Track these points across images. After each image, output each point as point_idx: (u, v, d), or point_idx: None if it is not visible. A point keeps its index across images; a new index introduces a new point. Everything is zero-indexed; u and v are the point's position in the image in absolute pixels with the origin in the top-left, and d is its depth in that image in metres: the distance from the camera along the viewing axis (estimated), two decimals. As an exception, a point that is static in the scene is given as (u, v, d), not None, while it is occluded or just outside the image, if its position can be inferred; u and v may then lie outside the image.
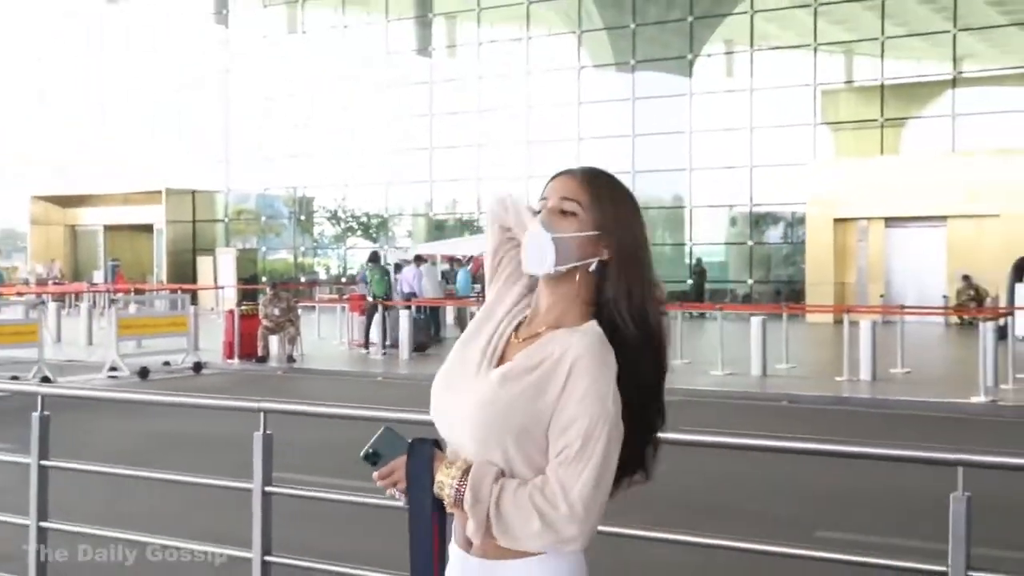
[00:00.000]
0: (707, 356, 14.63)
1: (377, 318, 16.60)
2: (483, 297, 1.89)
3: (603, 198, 1.70)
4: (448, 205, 32.13)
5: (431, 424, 1.75)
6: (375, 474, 1.70)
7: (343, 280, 30.04)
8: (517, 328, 1.77)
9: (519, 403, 1.62)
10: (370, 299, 16.94)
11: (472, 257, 23.03)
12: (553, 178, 1.75)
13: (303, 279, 31.65)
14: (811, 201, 24.05)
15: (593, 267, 1.70)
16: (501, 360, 1.73)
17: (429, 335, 17.54)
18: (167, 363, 14.52)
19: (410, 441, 1.69)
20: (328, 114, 31.99)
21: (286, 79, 32.58)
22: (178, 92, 34.01)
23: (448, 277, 21.71)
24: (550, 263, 1.68)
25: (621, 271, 1.69)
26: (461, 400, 1.68)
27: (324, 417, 3.69)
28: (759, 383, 12.64)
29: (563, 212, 1.70)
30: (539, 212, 1.74)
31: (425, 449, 1.67)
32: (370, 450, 1.69)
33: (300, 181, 32.97)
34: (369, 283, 17.41)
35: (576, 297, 1.72)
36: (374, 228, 32.60)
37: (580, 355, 1.62)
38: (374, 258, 17.92)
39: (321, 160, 32.21)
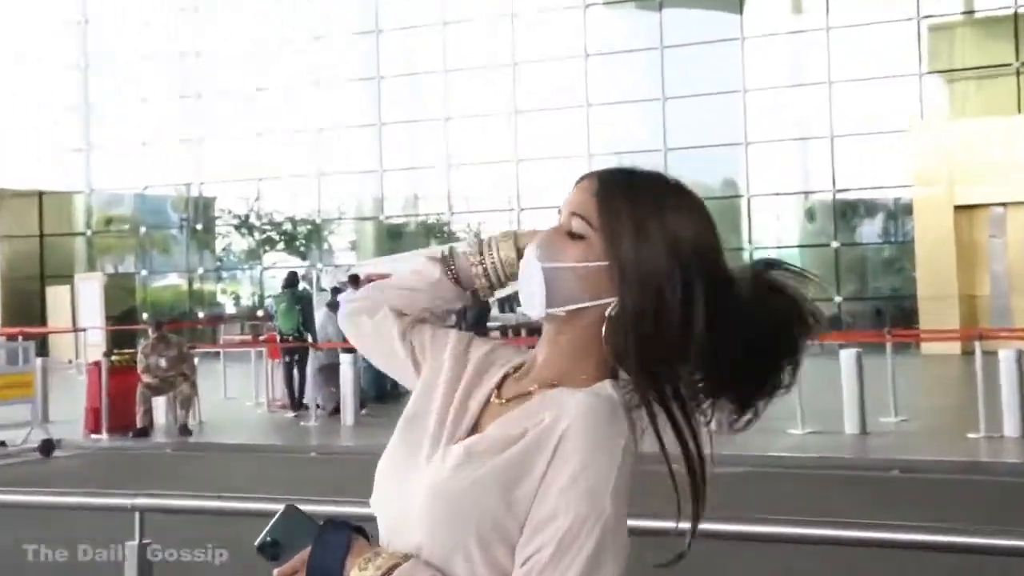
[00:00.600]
0: (780, 408, 14.55)
1: (287, 370, 17.08)
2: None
3: (620, 212, 1.75)
4: (406, 203, 32.24)
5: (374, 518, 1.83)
6: (275, 572, 1.73)
7: (259, 314, 30.05)
8: (500, 386, 1.87)
9: (489, 489, 1.66)
10: (275, 337, 17.35)
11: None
12: (577, 182, 1.86)
13: (201, 315, 31.66)
14: (919, 181, 24.20)
15: (612, 310, 1.74)
16: (474, 430, 1.81)
17: (384, 389, 17.60)
18: (2, 443, 14.48)
19: (321, 523, 1.74)
20: (233, 80, 32.12)
21: (170, 31, 32.67)
22: (10, 49, 33.97)
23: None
24: (540, 302, 1.76)
25: (628, 320, 1.71)
26: (410, 487, 1.75)
27: (228, 515, 3.60)
28: (857, 445, 12.66)
29: (571, 234, 1.78)
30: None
31: (337, 538, 1.72)
32: (268, 538, 1.73)
33: (195, 175, 33.10)
34: (274, 316, 17.65)
35: (587, 349, 1.78)
36: (302, 239, 32.66)
37: (573, 424, 1.65)
38: (290, 282, 18.00)
39: (224, 146, 32.33)
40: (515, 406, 1.78)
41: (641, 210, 1.74)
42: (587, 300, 1.75)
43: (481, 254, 1.99)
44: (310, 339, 17.31)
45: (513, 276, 1.97)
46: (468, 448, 1.73)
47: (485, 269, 1.99)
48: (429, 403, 1.89)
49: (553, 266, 1.75)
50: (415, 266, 2.06)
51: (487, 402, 1.84)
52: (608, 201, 1.75)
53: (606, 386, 1.72)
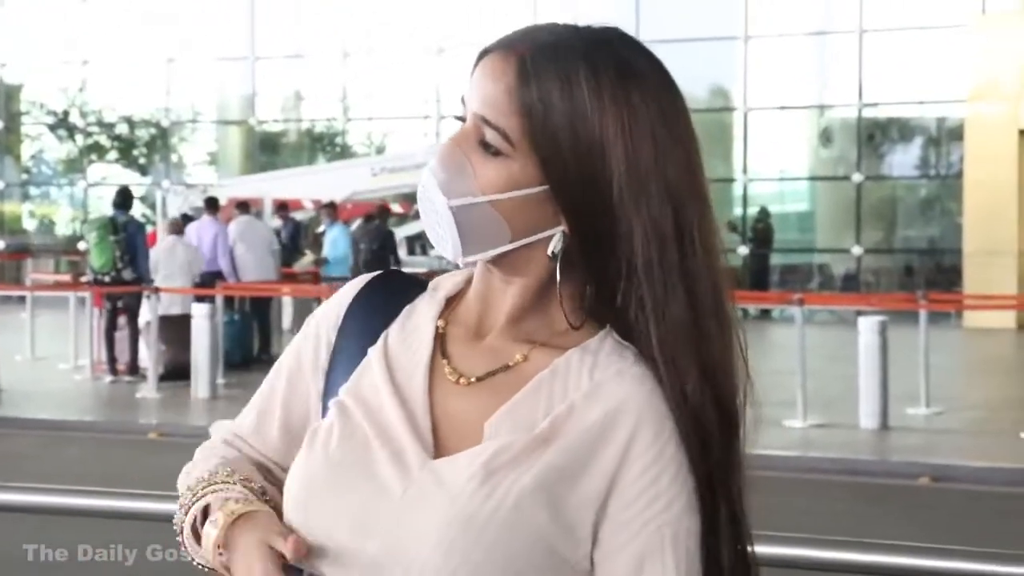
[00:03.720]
0: (778, 393, 14.71)
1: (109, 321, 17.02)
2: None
3: (553, 106, 1.70)
4: (285, 103, 32.05)
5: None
6: None
7: (82, 247, 29.74)
8: (443, 353, 1.84)
9: (538, 507, 1.69)
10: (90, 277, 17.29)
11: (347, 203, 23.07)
12: (479, 58, 1.79)
13: (1, 245, 31.29)
14: (974, 95, 24.37)
15: (555, 246, 1.76)
16: (436, 431, 1.79)
17: (250, 351, 17.52)
18: None
19: None
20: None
21: None
22: None
23: (290, 240, 22.00)
24: (452, 248, 1.75)
25: (594, 252, 1.75)
26: (390, 525, 1.71)
27: (35, 512, 3.61)
28: (875, 443, 12.77)
29: (484, 144, 1.74)
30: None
31: None
32: None
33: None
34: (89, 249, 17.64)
35: (548, 290, 1.79)
36: (142, 146, 32.35)
37: (644, 418, 1.72)
38: (121, 202, 17.80)
39: (34, 12, 31.81)
40: (500, 383, 1.78)
41: (588, 112, 1.70)
42: (517, 235, 1.75)
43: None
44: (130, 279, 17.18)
45: None
46: (487, 462, 1.70)
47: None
48: (360, 399, 1.84)
49: (462, 203, 1.72)
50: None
51: (430, 378, 1.81)
52: (541, 88, 1.70)
53: (627, 354, 1.76)
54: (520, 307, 1.80)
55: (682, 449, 1.73)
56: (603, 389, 1.74)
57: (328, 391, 1.87)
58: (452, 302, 1.89)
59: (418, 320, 1.87)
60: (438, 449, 1.75)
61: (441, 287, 1.90)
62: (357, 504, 1.72)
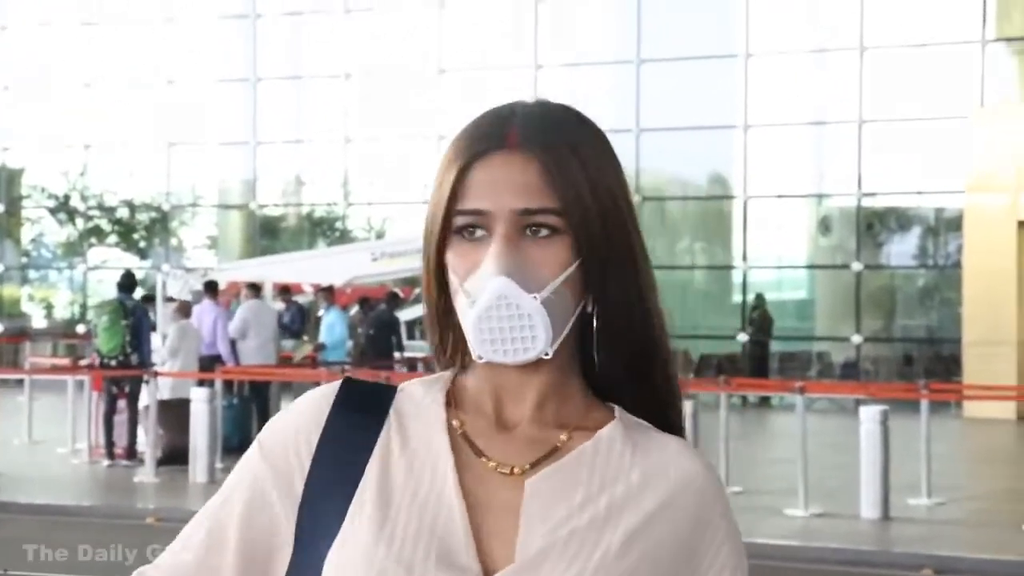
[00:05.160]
0: (776, 482, 14.65)
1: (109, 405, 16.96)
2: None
3: (580, 186, 1.78)
4: (286, 187, 32.09)
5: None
6: None
7: (80, 330, 29.80)
8: (470, 446, 1.83)
9: None
10: (95, 360, 17.24)
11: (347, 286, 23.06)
12: (475, 156, 1.79)
13: (0, 328, 31.24)
14: (973, 186, 24.46)
15: (589, 307, 1.83)
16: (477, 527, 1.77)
17: (248, 435, 17.52)
18: None
19: None
20: (52, 7, 31.79)
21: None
22: None
23: (292, 323, 21.92)
24: (545, 340, 1.75)
25: (618, 318, 1.84)
26: None
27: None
28: (877, 534, 12.73)
29: (535, 229, 1.77)
30: (462, 230, 1.78)
31: None
32: None
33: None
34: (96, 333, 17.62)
35: (569, 369, 1.85)
36: (142, 230, 32.36)
37: (718, 495, 1.84)
38: (126, 284, 17.85)
39: (38, 99, 31.95)
40: (555, 470, 1.79)
41: (598, 173, 1.80)
42: (573, 310, 1.80)
43: None
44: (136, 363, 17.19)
45: None
46: (629, 540, 1.77)
47: None
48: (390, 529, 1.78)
49: (548, 293, 1.75)
50: None
51: (462, 474, 1.79)
52: (566, 177, 1.77)
53: (649, 428, 1.86)
54: (547, 392, 1.82)
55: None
56: (659, 467, 1.81)
57: (307, 524, 1.80)
58: (452, 403, 1.86)
59: (418, 427, 1.83)
60: (499, 548, 1.75)
61: (430, 387, 1.87)
62: None
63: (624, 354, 1.84)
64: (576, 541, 1.73)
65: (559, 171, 1.76)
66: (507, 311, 1.72)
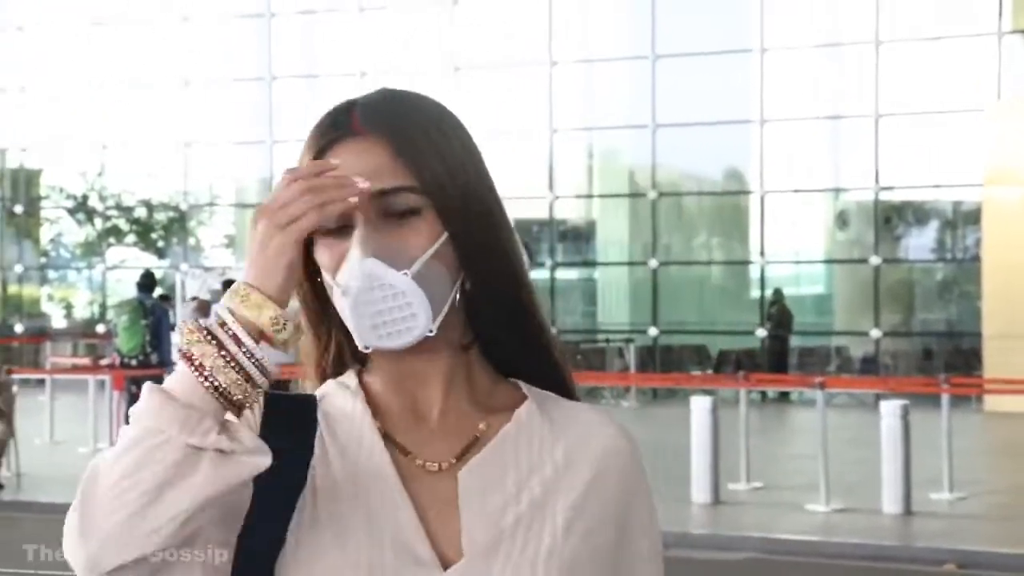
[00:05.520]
0: (797, 477, 14.65)
1: (130, 405, 16.68)
2: None
3: (432, 163, 1.80)
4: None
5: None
6: None
7: (100, 330, 29.90)
8: (403, 452, 1.82)
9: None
10: (115, 360, 17.34)
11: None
12: (322, 149, 1.82)
13: (19, 329, 31.31)
14: (992, 179, 24.43)
15: (464, 284, 1.83)
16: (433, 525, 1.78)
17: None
18: None
19: None
20: (65, 6, 31.79)
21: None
22: None
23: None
24: (425, 321, 1.74)
25: (491, 290, 1.84)
26: None
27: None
28: (899, 529, 12.72)
29: (398, 215, 1.78)
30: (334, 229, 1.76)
31: None
32: None
33: (12, 139, 32.76)
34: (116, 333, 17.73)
35: (463, 350, 1.86)
36: (160, 229, 32.41)
37: (636, 459, 1.90)
38: (144, 285, 17.90)
39: (55, 99, 32.00)
40: (483, 459, 1.80)
41: (450, 148, 1.82)
42: (451, 286, 1.79)
43: (221, 347, 1.63)
44: (156, 362, 17.22)
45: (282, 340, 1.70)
46: (569, 525, 1.79)
47: (239, 364, 1.63)
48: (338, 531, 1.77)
49: (418, 268, 1.73)
50: (133, 439, 1.62)
51: (398, 471, 1.78)
52: (417, 155, 1.78)
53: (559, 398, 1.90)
54: (451, 377, 1.83)
55: None
56: (581, 440, 1.85)
57: (254, 532, 1.73)
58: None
59: (350, 428, 1.82)
60: (447, 542, 1.75)
61: (344, 389, 1.85)
62: None
63: (511, 325, 1.85)
64: (522, 528, 1.76)
65: (409, 150, 1.78)
66: (380, 292, 1.71)
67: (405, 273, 1.71)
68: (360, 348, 1.76)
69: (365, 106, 1.81)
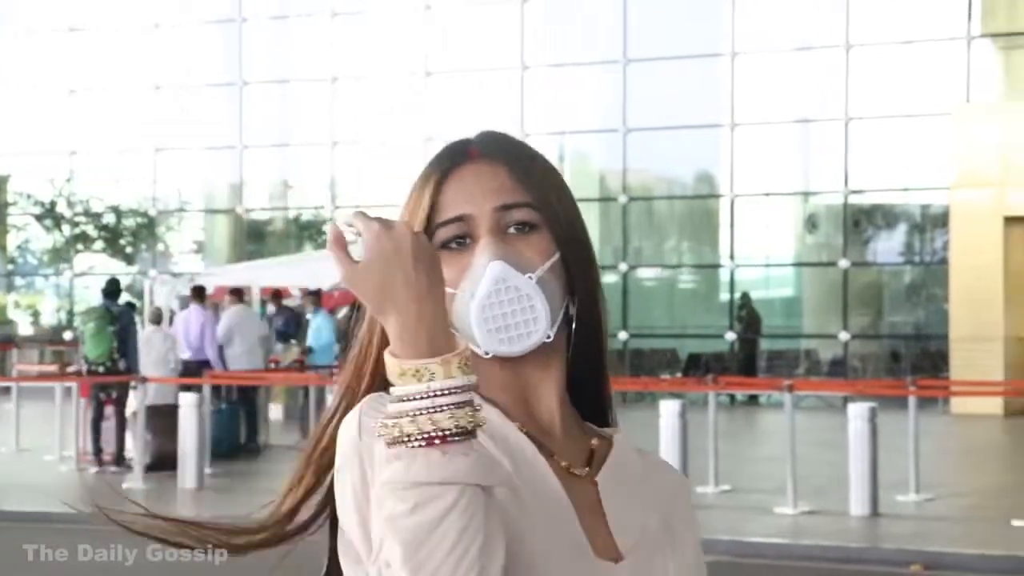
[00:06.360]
0: (765, 480, 14.67)
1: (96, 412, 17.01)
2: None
3: (549, 187, 1.95)
4: (273, 191, 32.10)
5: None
6: None
7: (67, 337, 29.85)
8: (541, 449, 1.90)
9: None
10: (82, 367, 17.28)
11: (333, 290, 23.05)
12: (444, 172, 1.92)
13: (-12, 335, 31.24)
14: (960, 183, 24.51)
15: (571, 307, 1.94)
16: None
17: (237, 441, 17.61)
18: None
19: None
20: (37, 11, 31.71)
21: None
22: None
23: (284, 328, 22.01)
24: (546, 319, 1.84)
25: (589, 313, 1.97)
26: None
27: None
28: (866, 531, 12.76)
29: (517, 228, 1.90)
30: (453, 239, 1.89)
31: None
32: None
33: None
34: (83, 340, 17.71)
35: (566, 360, 1.96)
36: (128, 235, 32.37)
37: (690, 491, 2.07)
38: (110, 291, 17.95)
39: (22, 105, 31.95)
40: (609, 471, 1.92)
41: (558, 180, 1.97)
42: (562, 301, 1.90)
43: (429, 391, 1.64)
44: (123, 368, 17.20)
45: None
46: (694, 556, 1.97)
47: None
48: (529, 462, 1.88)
49: (541, 274, 1.86)
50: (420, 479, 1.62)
51: (558, 476, 1.87)
52: (533, 178, 1.92)
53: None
54: (562, 391, 1.94)
55: None
56: (660, 471, 2.02)
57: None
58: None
59: (498, 430, 1.83)
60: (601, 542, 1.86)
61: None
62: None
63: (592, 352, 1.97)
64: (664, 536, 1.91)
65: (526, 173, 1.92)
66: (507, 295, 1.82)
67: (530, 277, 1.84)
68: (481, 353, 1.84)
69: (482, 138, 1.96)
